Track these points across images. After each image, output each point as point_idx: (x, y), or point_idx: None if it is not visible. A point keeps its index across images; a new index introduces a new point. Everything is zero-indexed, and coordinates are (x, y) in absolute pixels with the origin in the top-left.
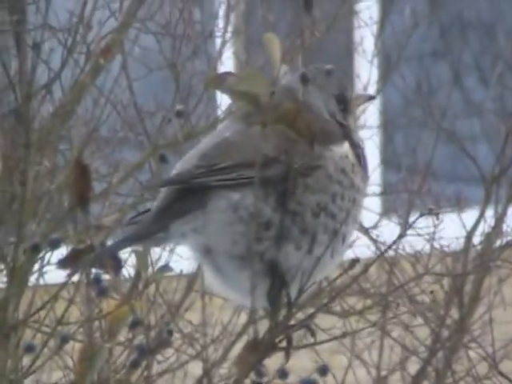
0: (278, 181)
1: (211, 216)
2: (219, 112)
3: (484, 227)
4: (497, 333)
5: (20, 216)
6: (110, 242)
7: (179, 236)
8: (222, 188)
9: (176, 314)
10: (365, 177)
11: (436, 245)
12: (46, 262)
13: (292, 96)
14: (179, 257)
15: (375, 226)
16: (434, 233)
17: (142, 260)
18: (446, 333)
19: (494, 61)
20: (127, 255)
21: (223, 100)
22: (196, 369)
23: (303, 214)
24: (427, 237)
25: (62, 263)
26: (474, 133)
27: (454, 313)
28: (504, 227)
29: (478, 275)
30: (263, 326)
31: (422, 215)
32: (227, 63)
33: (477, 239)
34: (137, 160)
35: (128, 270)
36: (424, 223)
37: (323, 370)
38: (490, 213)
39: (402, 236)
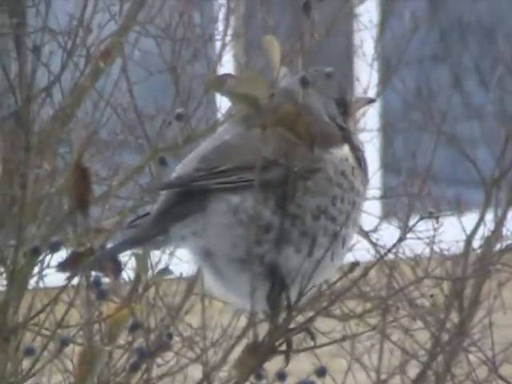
0: (278, 184)
1: (211, 219)
2: (219, 115)
3: (484, 231)
4: (496, 336)
5: (20, 219)
6: (109, 245)
7: (179, 239)
8: (221, 191)
9: (176, 317)
10: (365, 180)
11: (436, 248)
12: (45, 264)
13: (292, 99)
14: (179, 260)
15: (375, 230)
16: (434, 236)
17: (142, 263)
18: (445, 336)
19: (494, 64)
20: (127, 258)
21: (223, 103)
22: (196, 372)
23: (303, 217)
24: (427, 240)
25: (62, 266)
26: (474, 136)
27: (454, 316)
28: (504, 231)
29: (478, 279)
30: (263, 329)
31: (421, 219)
32: (227, 66)
33: (477, 243)
34: (137, 163)
35: (128, 273)
36: (424, 227)
37: (321, 372)
38: (489, 216)
39: (401, 239)
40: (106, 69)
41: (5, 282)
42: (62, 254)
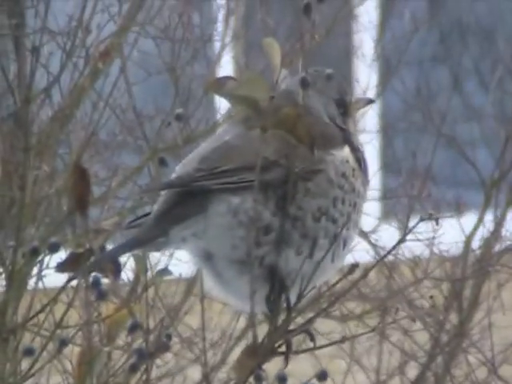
0: (279, 185)
1: (211, 220)
2: (218, 116)
3: (483, 232)
4: (496, 337)
5: (19, 220)
6: (109, 246)
7: (179, 241)
8: (222, 192)
9: (175, 318)
10: (365, 181)
11: (435, 249)
12: (44, 265)
13: (292, 100)
14: (178, 260)
15: (375, 231)
16: (434, 238)
17: (141, 264)
18: (445, 337)
19: (494, 65)
20: (126, 259)
21: (222, 104)
22: (195, 373)
23: (304, 219)
24: (426, 242)
25: (61, 267)
26: (474, 137)
27: (453, 317)
28: (503, 232)
29: (477, 280)
30: (262, 330)
31: (421, 220)
32: (226, 67)
33: (476, 244)
34: (136, 164)
35: (127, 274)
36: (423, 228)
37: (322, 375)
38: (489, 217)
39: (401, 241)
40: (105, 69)
41: (4, 283)
42: (61, 255)
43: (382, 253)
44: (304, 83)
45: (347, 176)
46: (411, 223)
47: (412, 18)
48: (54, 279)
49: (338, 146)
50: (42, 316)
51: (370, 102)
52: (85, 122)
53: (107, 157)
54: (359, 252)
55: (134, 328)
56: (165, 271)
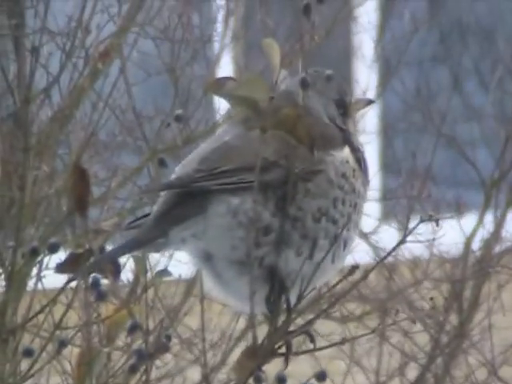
0: (278, 185)
1: (211, 221)
2: (218, 116)
3: (483, 233)
4: (496, 338)
5: (19, 220)
6: (109, 247)
7: (179, 241)
8: (222, 192)
9: (175, 319)
10: (365, 181)
11: (435, 250)
12: (44, 266)
13: (291, 100)
14: (178, 261)
15: (374, 232)
16: (434, 239)
17: (141, 264)
18: (445, 339)
19: (494, 65)
20: (126, 260)
21: (222, 104)
22: (195, 374)
23: (304, 220)
24: (426, 243)
25: (61, 268)
26: (474, 137)
27: (454, 318)
28: (503, 233)
29: (477, 281)
30: (262, 331)
31: (422, 221)
32: (226, 68)
33: (476, 245)
34: (135, 164)
35: (126, 275)
36: (423, 229)
37: (321, 376)
38: (489, 218)
39: (402, 242)
40: (104, 70)
41: (3, 283)
42: (60, 256)
43: (382, 254)
44: (304, 84)
45: (347, 176)
46: (411, 224)
47: (412, 18)
48: (53, 280)
49: (338, 146)
50: (41, 317)
51: (370, 102)
52: (84, 123)
53: (107, 157)
54: (359, 253)
55: (134, 329)
56: (164, 272)
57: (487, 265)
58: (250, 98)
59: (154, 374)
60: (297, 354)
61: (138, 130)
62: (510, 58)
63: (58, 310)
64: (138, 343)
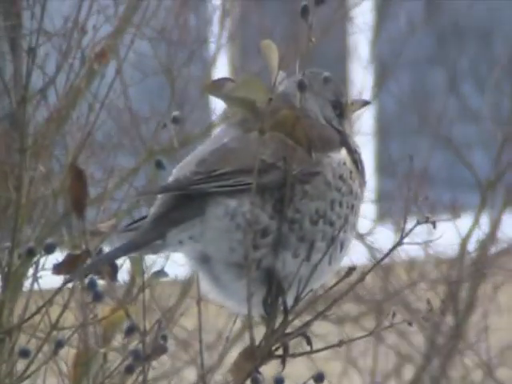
0: (276, 187)
1: (209, 223)
2: (214, 117)
3: (479, 234)
4: (492, 340)
5: (15, 221)
6: (106, 250)
7: (176, 243)
8: (220, 195)
9: (170, 320)
10: (362, 182)
11: (431, 251)
12: (40, 266)
13: (288, 102)
14: (174, 262)
15: (370, 233)
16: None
17: (138, 265)
18: (441, 339)
19: (491, 67)
20: (122, 261)
21: (218, 105)
22: (191, 375)
23: (301, 222)
24: (423, 244)
25: (58, 269)
26: (470, 139)
27: (450, 319)
28: (499, 234)
29: (473, 282)
30: (259, 332)
31: (418, 224)
32: (222, 69)
33: (472, 246)
34: (132, 165)
35: (123, 276)
36: (419, 230)
37: (319, 378)
38: (485, 219)
39: (398, 244)
40: (100, 71)
41: (0, 284)
42: (57, 256)
43: (378, 255)
44: (302, 86)
45: (345, 178)
46: (408, 225)
47: (408, 19)
48: (49, 280)
49: (335, 148)
50: (37, 317)
51: (366, 103)
52: (81, 124)
53: (103, 158)
54: (355, 254)
55: (131, 331)
56: (160, 273)
57: (483, 266)
58: (248, 99)
59: (150, 374)
60: (294, 355)
61: (135, 130)
62: (506, 59)
63: (55, 311)
64: (135, 344)
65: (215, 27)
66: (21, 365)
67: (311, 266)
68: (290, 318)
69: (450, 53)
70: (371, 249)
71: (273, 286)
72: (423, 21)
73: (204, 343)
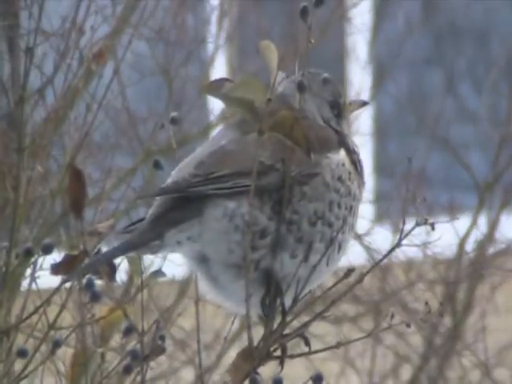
0: (275, 189)
1: (207, 224)
2: (212, 117)
3: (477, 234)
4: (490, 340)
5: (13, 221)
6: (104, 250)
7: (174, 244)
8: (218, 196)
9: (168, 320)
10: (361, 183)
11: (429, 252)
12: (38, 266)
13: (287, 102)
14: (172, 262)
15: (368, 233)
16: (429, 242)
17: (136, 265)
18: (438, 340)
19: (488, 68)
20: (120, 260)
21: (215, 105)
22: (188, 375)
23: (299, 223)
24: (421, 245)
25: (56, 269)
26: (468, 140)
27: (447, 320)
28: (497, 234)
29: (471, 283)
30: (257, 333)
31: (417, 225)
32: (220, 69)
33: (470, 246)
34: (129, 166)
35: (121, 276)
36: (417, 231)
37: (317, 379)
38: (482, 220)
39: (397, 246)
40: (98, 71)
41: None
42: (54, 256)
43: (376, 255)
44: (301, 87)
45: (343, 179)
46: (406, 226)
47: (406, 20)
48: (47, 280)
49: (333, 148)
50: (35, 317)
51: (364, 104)
52: (78, 124)
53: (101, 158)
54: (353, 254)
55: (129, 331)
56: (158, 273)
57: (481, 267)
58: (246, 99)
59: (148, 374)
60: (292, 356)
61: (132, 131)
62: (503, 60)
63: (53, 311)
64: (133, 344)
65: (213, 27)
66: (18, 365)
67: (309, 267)
68: (288, 318)
69: (447, 54)
70: (369, 249)
71: (271, 286)
72: (421, 22)
73: (202, 343)
